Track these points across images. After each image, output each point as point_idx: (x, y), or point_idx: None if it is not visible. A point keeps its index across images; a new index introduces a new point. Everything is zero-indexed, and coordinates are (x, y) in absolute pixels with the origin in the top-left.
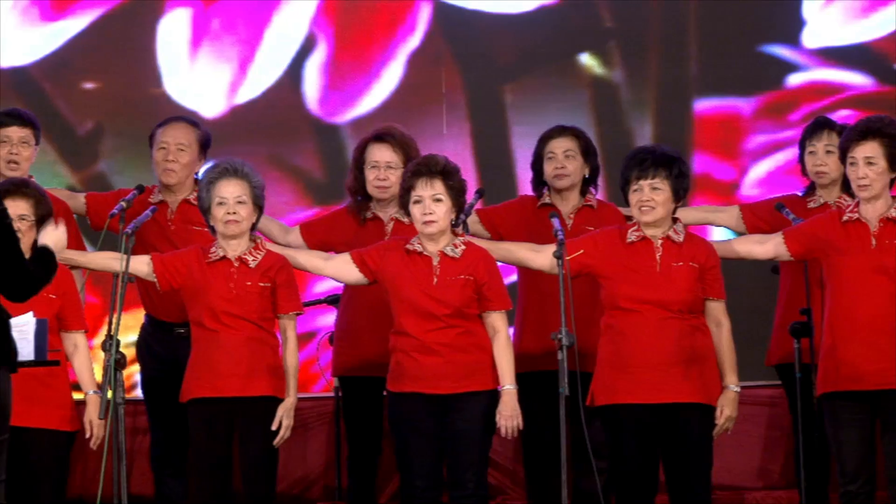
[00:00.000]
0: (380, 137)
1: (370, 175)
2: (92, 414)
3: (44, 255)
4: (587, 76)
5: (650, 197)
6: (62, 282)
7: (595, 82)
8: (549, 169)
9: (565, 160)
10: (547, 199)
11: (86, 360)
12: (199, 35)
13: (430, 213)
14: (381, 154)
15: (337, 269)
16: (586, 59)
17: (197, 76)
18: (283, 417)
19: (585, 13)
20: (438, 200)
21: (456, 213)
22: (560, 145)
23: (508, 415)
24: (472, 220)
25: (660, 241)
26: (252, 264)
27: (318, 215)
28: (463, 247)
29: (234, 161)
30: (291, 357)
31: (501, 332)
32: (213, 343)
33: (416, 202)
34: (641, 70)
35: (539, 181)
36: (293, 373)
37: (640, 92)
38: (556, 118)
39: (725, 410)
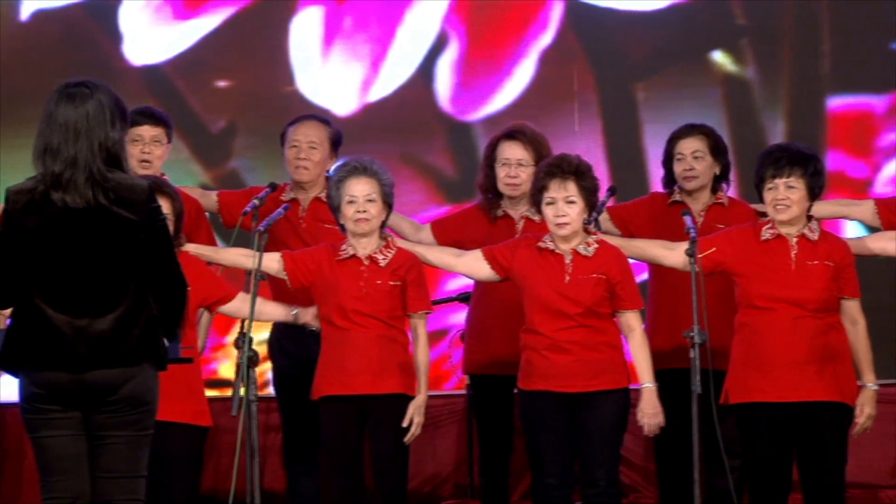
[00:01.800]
0: (511, 135)
1: (501, 172)
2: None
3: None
4: (719, 74)
5: (785, 195)
6: (198, 274)
7: (727, 80)
8: (678, 170)
9: (693, 161)
10: (677, 197)
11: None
12: (331, 33)
13: (564, 216)
14: (513, 151)
15: (468, 266)
16: (719, 57)
17: (329, 74)
18: (414, 415)
19: (718, 10)
20: (571, 202)
21: (588, 212)
22: (688, 146)
23: (651, 412)
24: (603, 218)
25: (795, 240)
26: (382, 263)
27: (450, 213)
28: (595, 245)
29: (363, 159)
30: (422, 354)
31: (636, 331)
32: (343, 341)
33: (549, 203)
34: (774, 67)
35: (670, 179)
36: (424, 370)
37: (772, 89)
38: (688, 116)
39: (866, 409)
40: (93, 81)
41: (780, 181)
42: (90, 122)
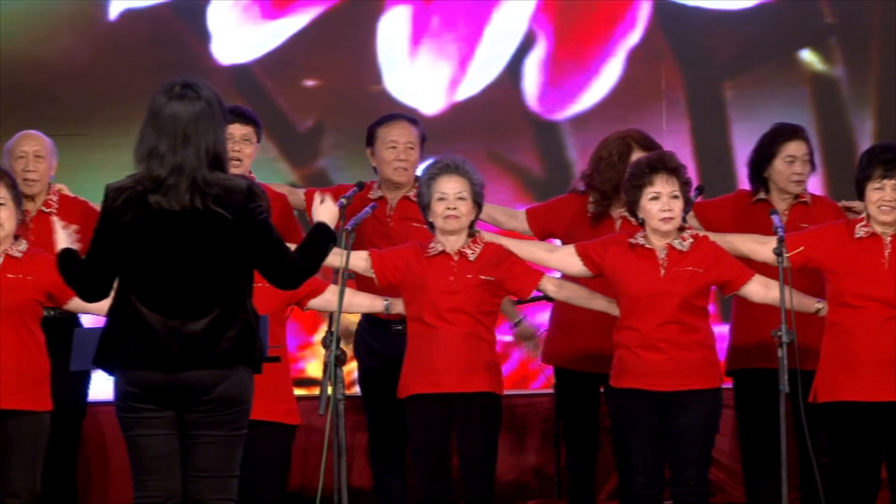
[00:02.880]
0: (649, 144)
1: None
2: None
3: (320, 234)
4: (807, 72)
5: (893, 197)
6: None
7: (815, 78)
8: (786, 172)
9: (803, 165)
10: (762, 195)
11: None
12: (418, 32)
13: (669, 210)
14: None
15: (560, 261)
16: (807, 56)
17: (417, 73)
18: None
19: (805, 9)
20: (675, 197)
21: (685, 208)
22: (799, 148)
23: None
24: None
25: (889, 238)
26: (471, 257)
27: (545, 203)
28: (691, 240)
29: (455, 158)
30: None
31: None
32: (431, 339)
33: (654, 198)
34: (862, 66)
35: (757, 177)
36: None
37: (861, 88)
38: (776, 115)
39: None
40: (198, 81)
41: (888, 182)
42: (199, 126)
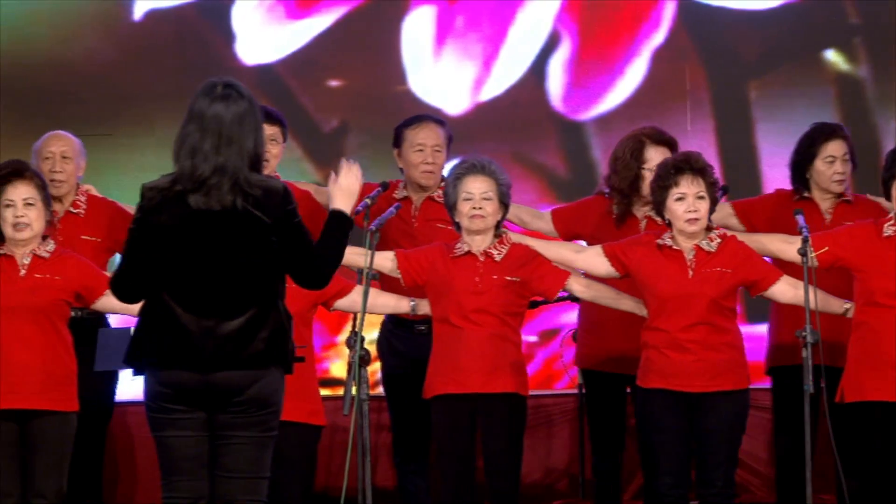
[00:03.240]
0: (663, 142)
1: (650, 176)
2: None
3: (339, 224)
4: (832, 72)
5: None
6: None
7: (840, 79)
8: (828, 172)
9: (843, 164)
10: (805, 194)
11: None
12: (443, 32)
13: (695, 211)
14: (662, 156)
15: (588, 262)
16: (831, 56)
17: (441, 73)
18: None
19: (830, 9)
20: (701, 198)
21: (711, 209)
22: (839, 148)
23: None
24: (726, 213)
25: None
26: (497, 258)
27: (571, 204)
28: (719, 240)
29: (481, 158)
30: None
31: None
32: (456, 339)
33: (679, 199)
34: (887, 66)
35: (800, 178)
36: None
37: (886, 88)
38: (801, 115)
39: None
40: (236, 82)
41: None
42: (243, 126)
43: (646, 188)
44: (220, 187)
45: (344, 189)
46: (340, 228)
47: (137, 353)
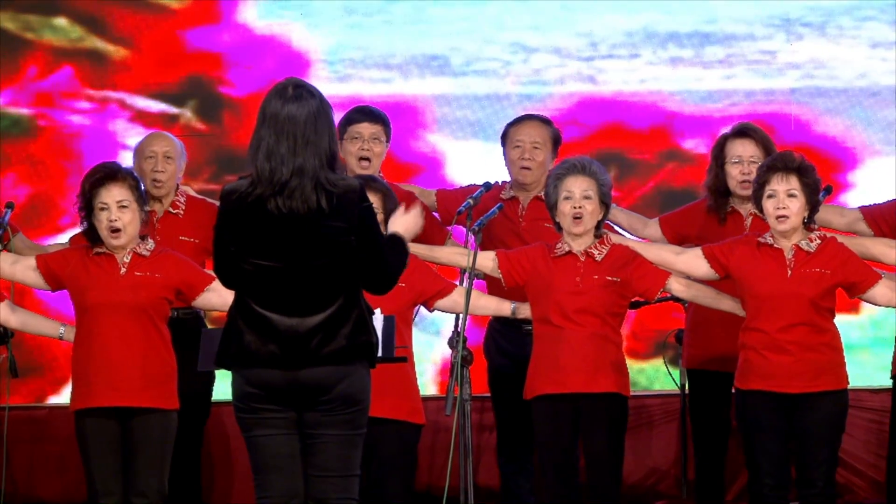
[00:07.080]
0: (742, 133)
1: (734, 170)
2: None
3: (395, 244)
4: None
5: None
6: (412, 269)
7: None
8: None
9: None
10: None
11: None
12: None
13: (784, 209)
14: (745, 149)
15: (687, 264)
16: None
17: None
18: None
19: None
20: (792, 196)
21: (809, 210)
22: None
23: None
24: (854, 219)
25: None
26: (598, 258)
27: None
28: (818, 241)
29: (583, 158)
30: None
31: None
32: (557, 339)
33: (770, 197)
34: None
35: None
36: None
37: None
38: None
39: None
40: (305, 81)
41: None
42: (317, 126)
43: (732, 183)
44: (303, 188)
45: (401, 223)
46: (402, 244)
47: (225, 353)
